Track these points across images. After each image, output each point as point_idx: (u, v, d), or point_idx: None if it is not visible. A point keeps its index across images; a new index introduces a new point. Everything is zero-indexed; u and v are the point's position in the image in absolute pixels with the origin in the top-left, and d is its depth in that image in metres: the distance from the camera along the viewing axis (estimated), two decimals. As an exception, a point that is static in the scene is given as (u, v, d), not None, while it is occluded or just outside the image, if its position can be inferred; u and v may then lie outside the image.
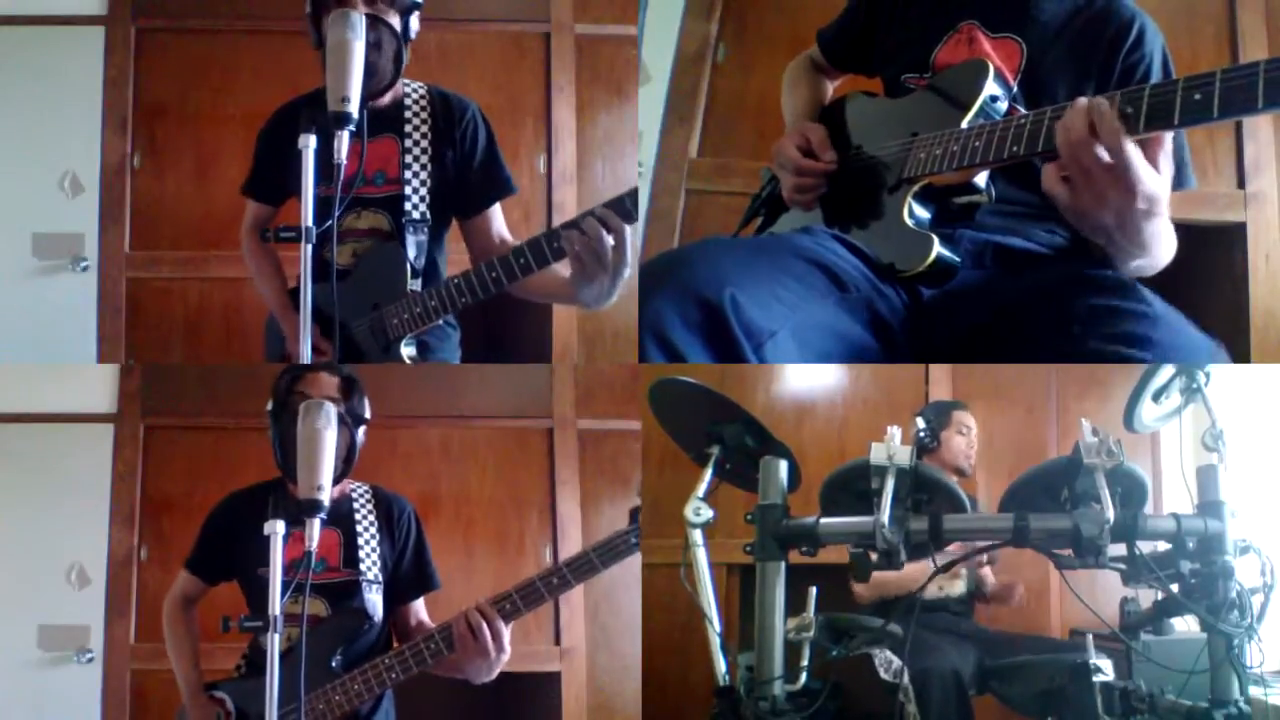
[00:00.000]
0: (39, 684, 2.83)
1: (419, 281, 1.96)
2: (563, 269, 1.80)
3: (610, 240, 1.71)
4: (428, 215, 2.00)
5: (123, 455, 2.91)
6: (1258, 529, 1.57)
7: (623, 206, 1.70)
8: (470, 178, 2.04)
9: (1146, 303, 1.47)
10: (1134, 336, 1.42)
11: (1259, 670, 1.51)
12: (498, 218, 2.09)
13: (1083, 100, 1.32)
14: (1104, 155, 1.29)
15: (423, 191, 1.99)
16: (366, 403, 1.93)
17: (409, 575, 2.02)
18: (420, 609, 2.06)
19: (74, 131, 2.93)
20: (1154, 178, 1.30)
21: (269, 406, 1.88)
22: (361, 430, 1.90)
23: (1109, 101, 1.30)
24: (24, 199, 2.93)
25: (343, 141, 1.56)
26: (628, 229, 1.72)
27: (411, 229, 1.97)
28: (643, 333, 1.28)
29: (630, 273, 1.76)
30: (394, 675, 1.85)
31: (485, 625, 1.82)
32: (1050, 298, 1.54)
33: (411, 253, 1.96)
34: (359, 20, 1.60)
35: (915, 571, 2.29)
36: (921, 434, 2.58)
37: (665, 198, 2.98)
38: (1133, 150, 1.28)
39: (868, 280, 1.56)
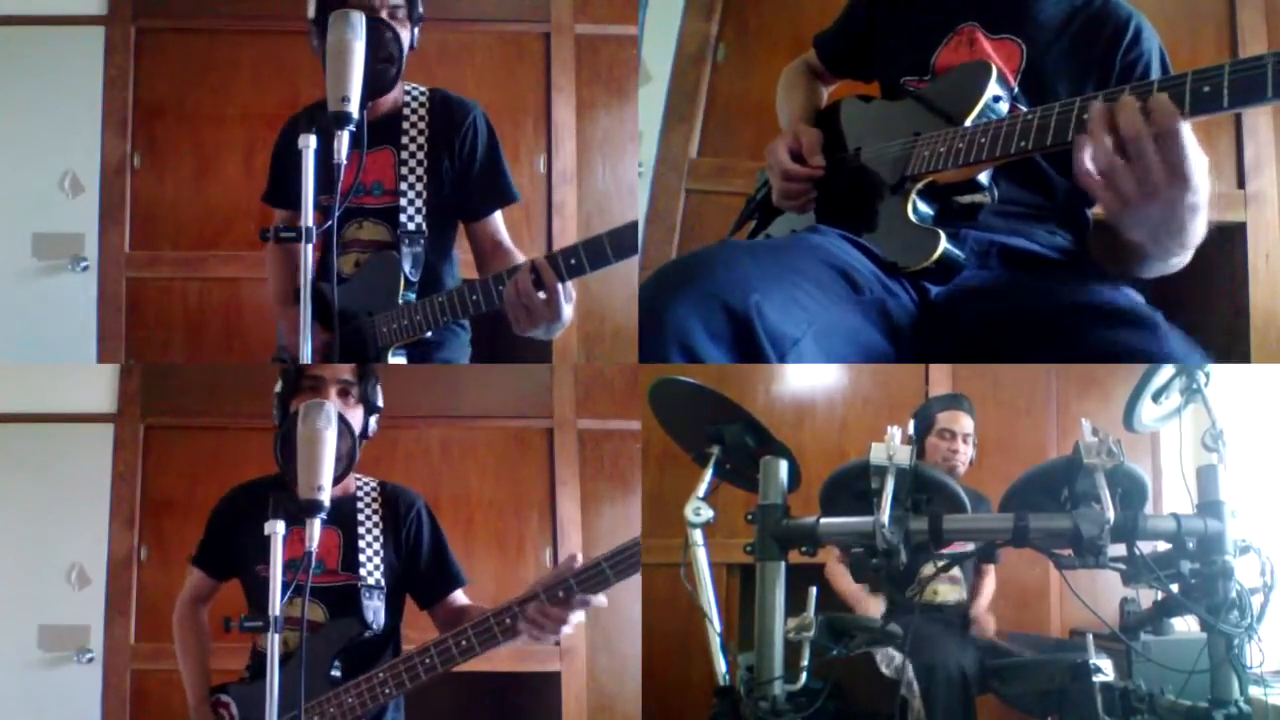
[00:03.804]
0: (39, 684, 2.83)
1: (414, 292, 1.95)
2: None
3: (541, 295, 1.69)
4: (423, 227, 1.99)
5: (123, 455, 2.91)
6: (1258, 529, 1.57)
7: (556, 263, 1.68)
8: (470, 184, 2.04)
9: (1159, 334, 1.43)
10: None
11: (1259, 670, 1.51)
12: (496, 225, 2.08)
13: (1124, 94, 1.28)
14: (1151, 143, 1.24)
15: (418, 203, 1.99)
16: (380, 390, 1.91)
17: (431, 575, 1.97)
18: (459, 597, 1.99)
19: (74, 131, 2.93)
20: (1203, 163, 1.26)
21: (277, 389, 1.86)
22: (374, 419, 1.89)
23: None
24: (24, 199, 2.93)
25: (343, 141, 1.56)
26: (561, 287, 1.68)
27: (407, 241, 1.97)
28: (667, 343, 1.25)
29: (566, 325, 1.75)
30: (387, 691, 1.78)
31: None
32: (1057, 329, 1.50)
33: (407, 264, 1.95)
34: (359, 20, 1.60)
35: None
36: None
37: (665, 198, 2.98)
38: (1188, 132, 1.24)
39: (879, 281, 1.55)
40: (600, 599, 1.74)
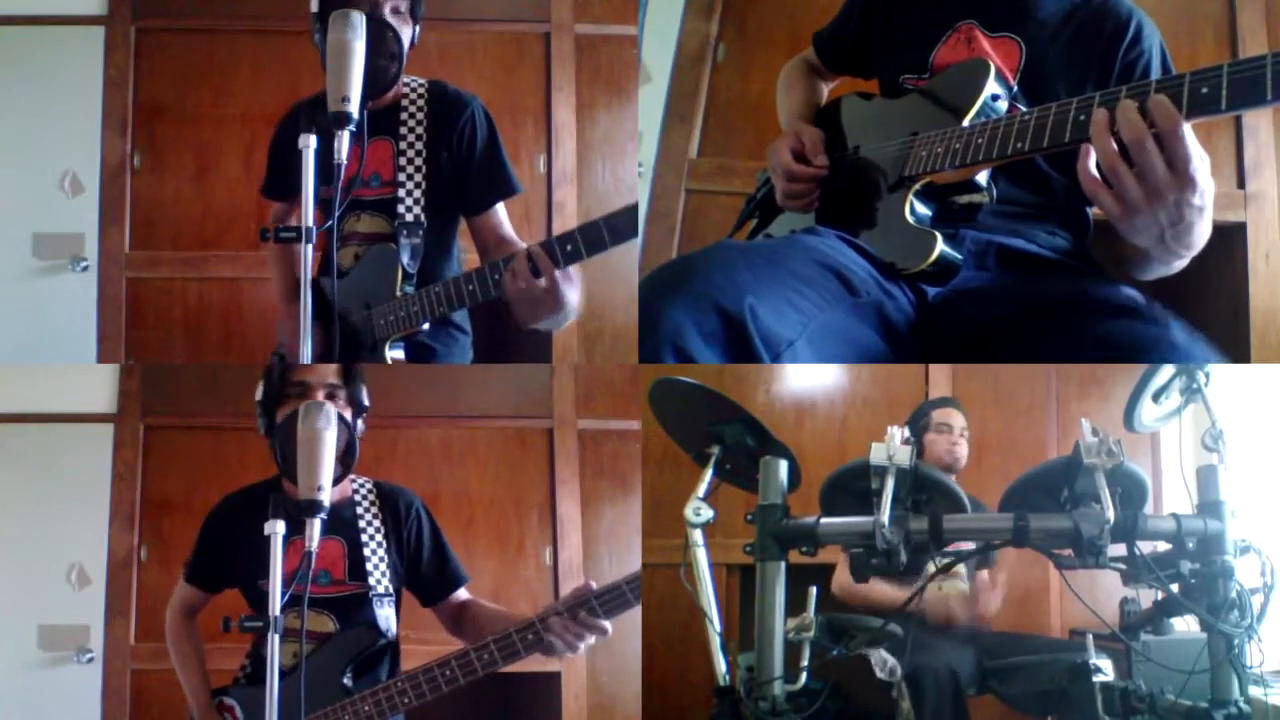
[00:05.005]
0: (39, 684, 2.83)
1: (413, 284, 1.94)
2: None
3: (541, 283, 1.67)
4: (422, 218, 1.98)
5: (122, 455, 2.91)
6: (1258, 529, 1.57)
7: (553, 249, 1.66)
8: (469, 177, 2.02)
9: (1160, 324, 1.43)
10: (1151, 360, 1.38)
11: (1259, 670, 1.51)
12: (499, 217, 2.06)
13: (1122, 96, 1.28)
14: (1154, 146, 1.23)
15: (417, 194, 1.98)
16: (365, 390, 1.90)
17: (433, 575, 1.97)
18: (462, 593, 1.99)
19: (74, 131, 2.93)
20: (1206, 165, 1.25)
21: (258, 396, 1.85)
22: (361, 420, 1.88)
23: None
24: (24, 199, 2.93)
25: (343, 141, 1.56)
26: (559, 273, 1.67)
27: (405, 232, 1.95)
28: (660, 344, 1.25)
29: (574, 314, 1.74)
30: (407, 700, 1.77)
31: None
32: (1056, 321, 1.50)
33: (405, 256, 1.93)
34: (359, 20, 1.60)
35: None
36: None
37: (665, 198, 2.98)
38: (1189, 133, 1.23)
39: (876, 282, 1.54)
40: (607, 625, 1.76)
